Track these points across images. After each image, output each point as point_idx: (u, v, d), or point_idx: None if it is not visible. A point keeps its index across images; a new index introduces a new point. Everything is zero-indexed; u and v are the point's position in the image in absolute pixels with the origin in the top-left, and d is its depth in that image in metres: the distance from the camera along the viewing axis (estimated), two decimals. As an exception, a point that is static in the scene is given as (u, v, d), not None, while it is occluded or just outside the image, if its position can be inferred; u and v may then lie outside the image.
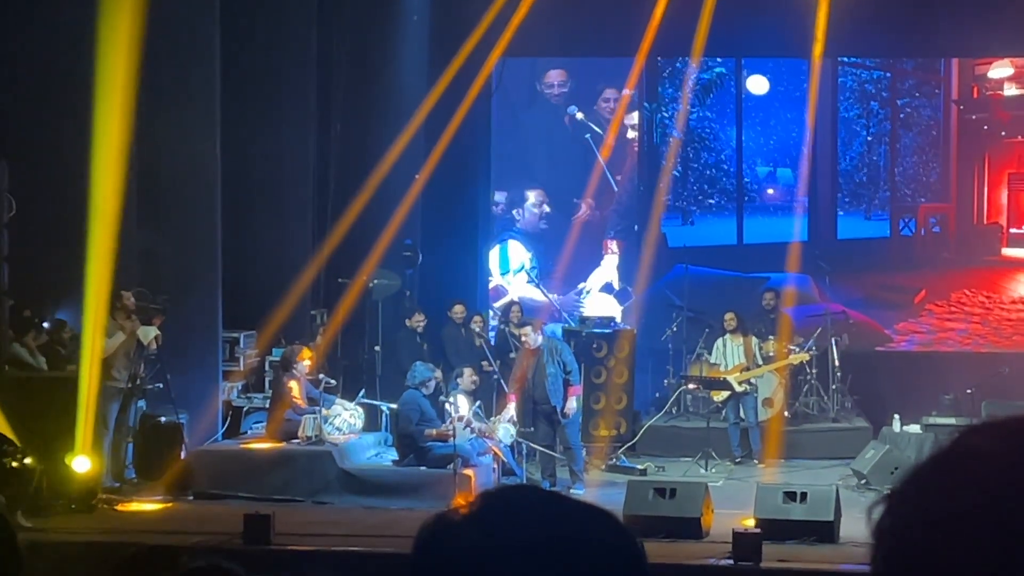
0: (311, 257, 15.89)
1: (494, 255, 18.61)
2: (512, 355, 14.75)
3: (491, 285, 18.52)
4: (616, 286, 18.42)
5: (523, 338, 13.99)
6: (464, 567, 1.45)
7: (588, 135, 18.54)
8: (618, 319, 16.60)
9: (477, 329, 15.47)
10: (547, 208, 18.74)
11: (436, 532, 1.49)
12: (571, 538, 1.47)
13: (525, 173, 18.88)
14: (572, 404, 13.68)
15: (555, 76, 18.87)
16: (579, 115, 18.64)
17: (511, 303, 16.39)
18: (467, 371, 13.75)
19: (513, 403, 13.69)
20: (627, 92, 18.36)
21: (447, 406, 13.27)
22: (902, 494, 1.38)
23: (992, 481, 1.32)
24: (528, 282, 18.18)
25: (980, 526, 1.31)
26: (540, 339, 13.84)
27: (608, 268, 18.61)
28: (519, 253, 18.65)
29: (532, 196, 18.76)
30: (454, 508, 1.52)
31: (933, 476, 1.38)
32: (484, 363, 14.71)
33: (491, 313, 17.57)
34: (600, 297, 18.04)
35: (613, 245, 18.70)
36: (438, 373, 13.90)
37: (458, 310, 15.58)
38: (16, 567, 2.44)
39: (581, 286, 18.36)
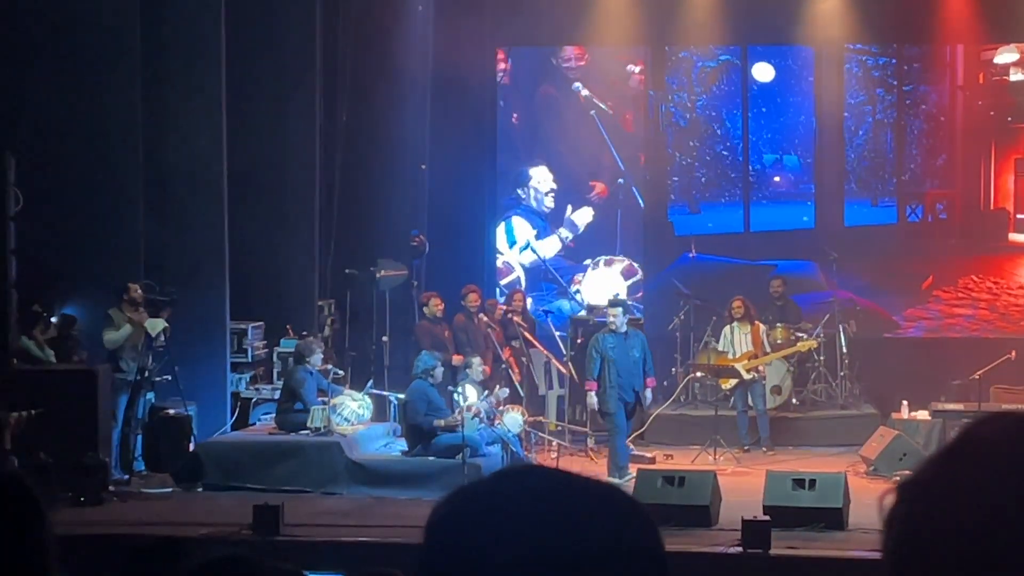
0: (318, 248, 15.89)
1: (500, 232, 18.50)
2: (516, 342, 14.68)
3: (499, 261, 18.42)
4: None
5: (610, 320, 13.78)
6: (478, 551, 1.43)
7: (593, 112, 18.47)
8: (623, 295, 16.51)
9: (493, 317, 15.31)
10: (554, 184, 18.55)
11: (449, 515, 1.48)
12: (585, 518, 1.45)
13: (532, 152, 18.73)
14: (648, 395, 13.72)
15: (571, 51, 18.72)
16: (584, 92, 18.56)
17: (514, 291, 16.28)
18: (476, 360, 13.74)
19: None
20: (636, 71, 18.31)
21: (455, 396, 13.27)
22: (913, 483, 1.39)
23: (1001, 470, 1.33)
24: (523, 248, 18.12)
25: (990, 514, 1.31)
26: (625, 322, 13.77)
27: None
28: (524, 229, 18.54)
29: (536, 174, 18.62)
30: (466, 490, 1.49)
31: (944, 465, 1.38)
32: (525, 344, 14.57)
33: (497, 292, 17.51)
34: (603, 272, 17.95)
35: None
36: (455, 358, 13.85)
37: (472, 299, 15.29)
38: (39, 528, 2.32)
39: (587, 262, 18.30)
